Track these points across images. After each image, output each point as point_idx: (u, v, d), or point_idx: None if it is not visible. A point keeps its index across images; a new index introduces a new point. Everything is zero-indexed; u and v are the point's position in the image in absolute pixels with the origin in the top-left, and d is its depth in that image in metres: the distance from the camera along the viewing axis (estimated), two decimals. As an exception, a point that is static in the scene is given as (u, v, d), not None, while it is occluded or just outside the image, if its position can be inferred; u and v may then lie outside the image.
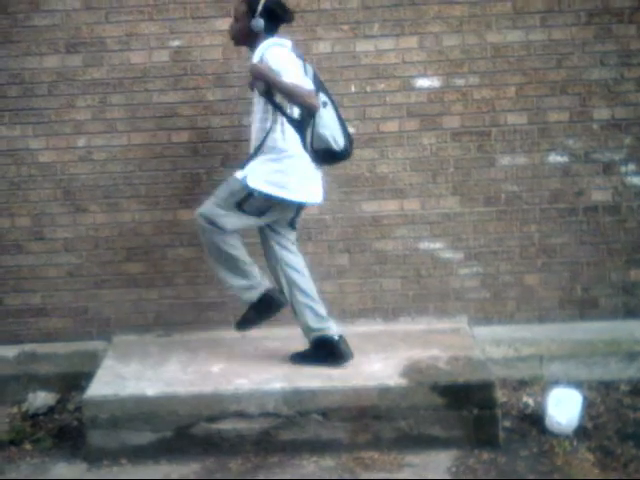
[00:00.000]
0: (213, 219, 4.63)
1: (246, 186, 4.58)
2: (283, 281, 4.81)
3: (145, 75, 5.36)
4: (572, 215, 5.41)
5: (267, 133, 4.58)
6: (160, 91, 5.37)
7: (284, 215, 4.76)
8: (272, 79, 4.48)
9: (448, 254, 5.45)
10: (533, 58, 5.31)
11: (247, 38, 4.69)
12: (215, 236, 4.65)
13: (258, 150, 4.62)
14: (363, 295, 5.49)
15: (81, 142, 5.41)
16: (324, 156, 4.64)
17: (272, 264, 4.85)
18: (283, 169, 4.59)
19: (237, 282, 4.76)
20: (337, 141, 4.60)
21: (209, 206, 4.67)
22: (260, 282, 4.77)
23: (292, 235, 4.87)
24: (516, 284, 5.47)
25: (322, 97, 4.59)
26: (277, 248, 4.81)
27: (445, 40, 5.32)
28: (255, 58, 4.59)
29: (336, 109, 4.65)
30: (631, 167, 5.38)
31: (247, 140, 4.82)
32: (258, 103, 4.64)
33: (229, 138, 5.36)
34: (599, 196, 5.40)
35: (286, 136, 4.58)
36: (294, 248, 4.86)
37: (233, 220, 4.65)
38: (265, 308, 4.78)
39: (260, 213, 4.66)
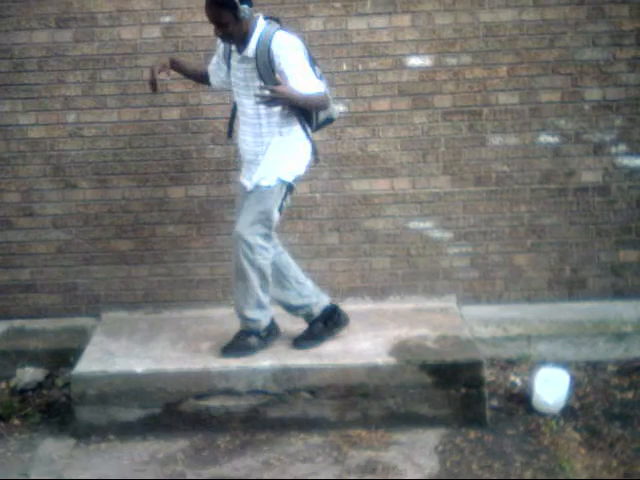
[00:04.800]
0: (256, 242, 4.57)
1: (283, 183, 4.55)
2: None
3: (136, 51, 5.33)
4: (562, 195, 5.41)
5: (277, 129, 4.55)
6: (151, 67, 5.35)
7: None
8: (296, 98, 4.42)
9: (438, 233, 5.45)
10: (525, 38, 5.30)
11: (240, 33, 4.45)
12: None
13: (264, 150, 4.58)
14: (352, 274, 5.49)
15: (71, 118, 5.39)
16: (322, 124, 4.73)
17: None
18: (298, 148, 4.60)
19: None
20: (334, 109, 4.73)
21: (250, 230, 4.54)
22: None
23: None
24: (505, 264, 5.47)
25: (318, 70, 4.58)
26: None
27: (437, 19, 5.30)
28: (251, 48, 4.43)
29: None
30: (621, 148, 5.39)
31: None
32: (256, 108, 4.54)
33: (220, 115, 5.33)
34: (589, 177, 5.40)
35: (290, 122, 4.55)
36: None
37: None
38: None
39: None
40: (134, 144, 5.41)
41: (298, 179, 4.65)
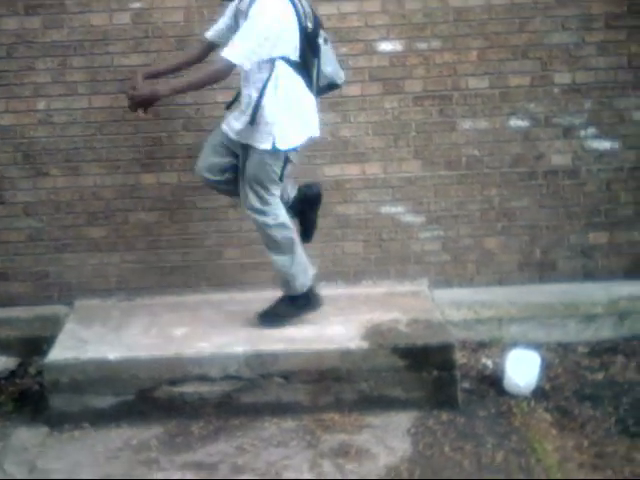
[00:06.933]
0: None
1: (279, 152, 4.56)
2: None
3: (106, 37, 5.29)
4: (532, 179, 5.44)
5: (264, 87, 4.46)
6: (121, 54, 5.30)
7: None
8: (171, 91, 4.58)
9: (409, 218, 5.47)
10: (495, 22, 5.30)
11: None
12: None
13: (256, 110, 4.49)
14: (325, 259, 5.48)
15: (41, 105, 5.34)
16: (324, 90, 4.74)
17: None
18: (301, 112, 4.59)
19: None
20: (339, 75, 4.72)
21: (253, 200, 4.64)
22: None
23: None
24: (476, 247, 5.50)
25: (323, 34, 4.61)
26: None
27: (408, 3, 5.29)
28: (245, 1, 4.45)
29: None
30: (591, 131, 5.41)
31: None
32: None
33: (191, 101, 5.31)
34: (559, 160, 5.43)
35: (287, 80, 4.48)
36: None
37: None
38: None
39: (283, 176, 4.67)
40: (105, 131, 5.38)
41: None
